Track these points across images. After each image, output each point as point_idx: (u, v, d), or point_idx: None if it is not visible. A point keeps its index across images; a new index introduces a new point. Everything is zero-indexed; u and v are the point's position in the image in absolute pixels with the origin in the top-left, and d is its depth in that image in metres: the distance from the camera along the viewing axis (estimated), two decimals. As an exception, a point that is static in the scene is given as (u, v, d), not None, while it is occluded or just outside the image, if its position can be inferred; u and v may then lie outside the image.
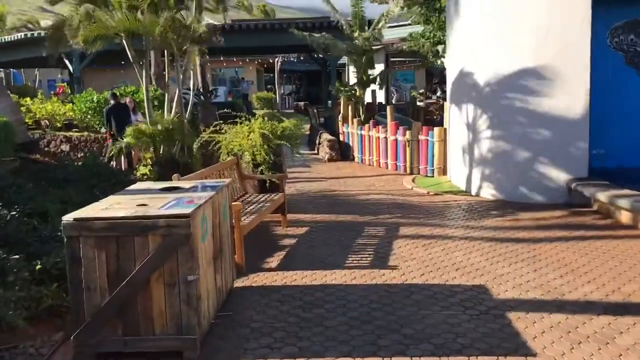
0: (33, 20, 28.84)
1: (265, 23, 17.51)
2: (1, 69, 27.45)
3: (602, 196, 7.20)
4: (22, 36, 16.50)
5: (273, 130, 7.64)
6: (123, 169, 10.15)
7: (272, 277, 5.27)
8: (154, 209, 3.79)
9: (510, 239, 6.36)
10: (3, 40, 17.81)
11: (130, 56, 8.85)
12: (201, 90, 18.68)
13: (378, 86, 13.73)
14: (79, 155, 12.69)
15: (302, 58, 31.77)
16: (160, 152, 8.75)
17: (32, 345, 3.86)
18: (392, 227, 6.98)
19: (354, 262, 5.67)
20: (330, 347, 3.83)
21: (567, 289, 4.78)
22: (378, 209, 8.05)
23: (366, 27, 13.30)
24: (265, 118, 7.89)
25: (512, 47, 8.25)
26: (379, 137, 11.70)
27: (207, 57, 19.84)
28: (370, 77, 13.34)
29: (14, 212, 4.95)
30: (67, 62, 15.97)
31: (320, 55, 20.36)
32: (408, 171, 10.97)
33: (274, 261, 5.75)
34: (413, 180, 10.19)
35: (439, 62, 14.73)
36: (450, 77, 9.85)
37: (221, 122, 8.11)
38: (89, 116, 13.48)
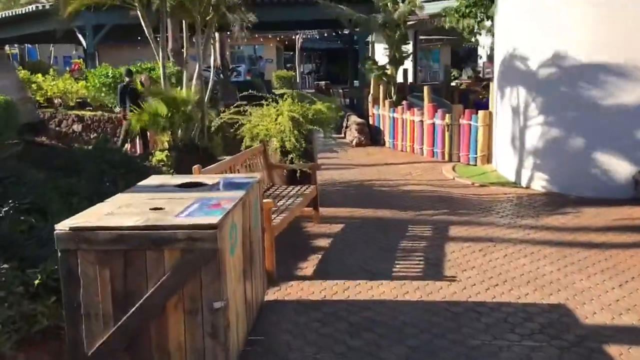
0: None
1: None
2: (16, 45, 26.81)
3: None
4: (33, 9, 15.73)
5: (304, 114, 6.79)
6: (138, 153, 9.40)
7: (309, 287, 4.47)
8: (171, 215, 3.00)
9: (580, 243, 5.49)
10: (13, 14, 17.08)
11: (145, 28, 8.03)
12: (220, 68, 17.83)
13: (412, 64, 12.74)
14: (92, 137, 11.99)
15: (325, 35, 30.67)
16: (178, 135, 7.96)
17: (20, 379, 3.13)
18: (439, 226, 6.14)
19: (403, 270, 4.85)
20: (392, 393, 3.04)
21: (671, 314, 3.93)
22: (419, 203, 7.20)
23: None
24: (295, 99, 7.04)
25: (574, 28, 7.27)
26: (413, 121, 10.79)
27: (228, 32, 19.02)
28: (404, 54, 12.36)
29: (6, 208, 4.19)
30: (80, 36, 15.18)
31: (346, 32, 19.40)
32: (446, 158, 10.07)
33: (308, 267, 4.95)
34: (454, 169, 9.30)
35: (473, 39, 13.68)
36: (499, 57, 8.89)
37: (244, 103, 7.26)
38: (102, 93, 12.71)
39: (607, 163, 7.24)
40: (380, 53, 24.09)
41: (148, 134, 9.93)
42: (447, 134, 9.98)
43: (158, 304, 2.87)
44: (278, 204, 5.52)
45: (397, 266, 4.92)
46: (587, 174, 7.37)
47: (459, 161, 9.82)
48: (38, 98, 13.36)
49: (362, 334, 3.69)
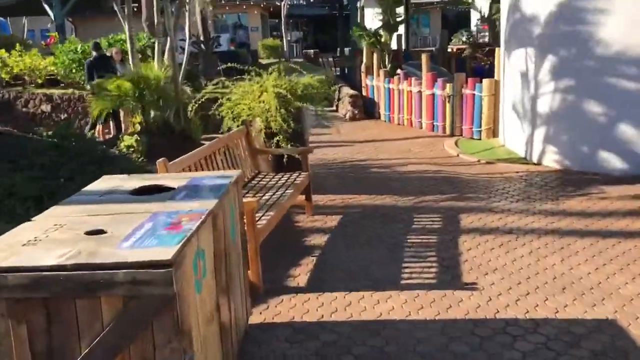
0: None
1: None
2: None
3: None
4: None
5: (292, 89, 5.94)
6: (110, 136, 8.52)
7: (302, 303, 3.72)
8: (112, 244, 2.19)
9: (612, 233, 4.76)
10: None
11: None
12: (201, 38, 16.76)
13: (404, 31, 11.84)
14: (62, 118, 11.06)
15: (312, 0, 29.42)
16: (151, 116, 7.09)
17: None
18: (449, 215, 5.38)
19: (413, 275, 4.10)
20: None
21: None
22: (423, 186, 6.43)
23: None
24: (281, 73, 6.17)
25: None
26: (411, 92, 9.94)
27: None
28: (398, 19, 11.43)
29: None
30: (46, 7, 14.05)
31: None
32: (447, 132, 9.27)
33: (301, 274, 4.18)
34: (456, 144, 8.52)
35: (477, 2, 12.76)
36: (506, 16, 8.02)
37: (222, 79, 6.39)
38: (73, 70, 11.72)
39: (631, 135, 6.47)
40: (370, 19, 23.03)
41: (121, 114, 9.05)
42: (448, 105, 9.15)
43: (97, 368, 2.09)
44: (264, 197, 4.72)
45: (406, 270, 4.17)
46: (608, 147, 6.61)
47: (462, 135, 9.03)
48: (3, 75, 12.34)
49: (371, 372, 2.95)
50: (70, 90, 11.64)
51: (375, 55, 11.14)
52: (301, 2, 30.66)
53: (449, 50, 15.45)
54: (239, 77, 6.22)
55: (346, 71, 15.67)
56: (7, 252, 2.18)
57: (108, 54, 10.20)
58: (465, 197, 5.96)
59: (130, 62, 7.32)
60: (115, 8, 7.31)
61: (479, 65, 11.08)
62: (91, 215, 2.57)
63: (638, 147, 6.45)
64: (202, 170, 4.37)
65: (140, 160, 6.04)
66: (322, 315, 3.55)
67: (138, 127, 7.21)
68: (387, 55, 11.33)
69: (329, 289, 3.88)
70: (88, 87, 10.76)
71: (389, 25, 11.25)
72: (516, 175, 6.81)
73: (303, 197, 5.46)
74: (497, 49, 8.48)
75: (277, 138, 5.79)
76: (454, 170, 7.11)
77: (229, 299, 2.91)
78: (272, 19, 37.11)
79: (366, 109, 11.32)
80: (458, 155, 7.87)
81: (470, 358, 3.02)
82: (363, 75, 11.57)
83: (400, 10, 14.45)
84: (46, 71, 12.54)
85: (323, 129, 10.10)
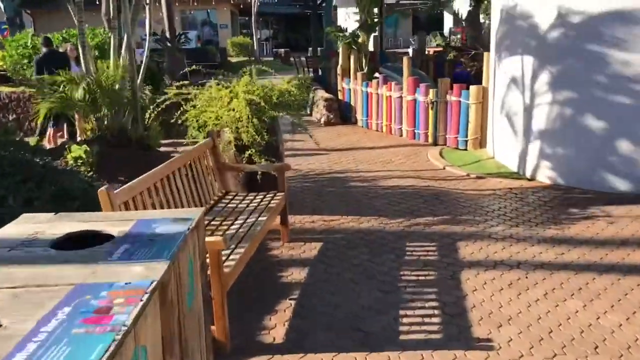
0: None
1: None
2: None
3: None
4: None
5: (266, 96, 5.21)
6: (61, 143, 7.62)
7: (280, 368, 3.00)
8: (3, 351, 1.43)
9: (633, 268, 4.18)
10: None
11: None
12: (167, 35, 15.83)
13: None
14: (10, 119, 10.06)
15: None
16: (105, 122, 6.26)
17: None
18: (445, 243, 4.73)
19: (413, 328, 3.41)
20: None
21: None
22: (411, 205, 5.77)
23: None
24: (253, 76, 5.43)
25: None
26: (391, 97, 9.29)
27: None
28: (375, 19, 10.78)
29: None
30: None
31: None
32: (430, 141, 8.65)
33: (277, 324, 3.46)
34: (441, 155, 7.90)
35: (455, 4, 12.20)
36: (496, 19, 7.42)
37: (186, 82, 5.61)
38: (24, 67, 10.73)
39: (632, 152, 5.94)
40: (343, 19, 22.38)
41: (76, 117, 8.14)
42: (431, 112, 8.54)
43: None
44: (233, 225, 3.98)
45: (404, 321, 3.48)
46: (608, 164, 6.08)
47: (446, 144, 8.42)
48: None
49: None
50: (20, 89, 10.63)
51: (352, 57, 10.46)
52: (272, -1, 29.85)
53: (427, 52, 14.93)
54: (202, 82, 5.45)
55: (320, 72, 14.97)
56: None
57: (62, 49, 9.27)
58: (459, 219, 5.33)
59: (82, 59, 6.46)
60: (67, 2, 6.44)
61: (462, 70, 10.50)
62: (-15, 288, 1.80)
63: (638, 164, 5.92)
64: (158, 195, 3.61)
65: (89, 175, 5.22)
66: (306, 388, 2.84)
67: (89, 134, 6.36)
68: (364, 57, 10.66)
69: (312, 348, 3.17)
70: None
71: (367, 26, 10.58)
72: (510, 192, 6.21)
73: (279, 222, 4.74)
74: (485, 53, 7.89)
75: (249, 152, 5.05)
76: (442, 186, 6.48)
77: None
78: (242, 17, 36.19)
79: (342, 114, 10.64)
80: (445, 168, 7.25)
81: None
82: (339, 77, 10.88)
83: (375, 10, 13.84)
84: (-6, 67, 11.49)
85: (297, 134, 9.40)
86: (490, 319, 3.46)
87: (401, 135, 9.23)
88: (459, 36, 20.58)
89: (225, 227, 3.95)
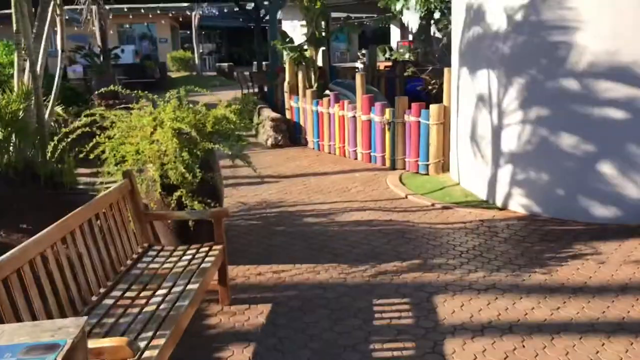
0: None
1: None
2: None
3: None
4: None
5: (198, 124, 4.30)
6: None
7: None
8: None
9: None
10: None
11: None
12: (96, 50, 14.61)
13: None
14: None
15: (225, 11, 27.66)
16: (6, 157, 5.18)
17: None
18: (419, 298, 3.94)
19: None
20: None
21: None
22: (374, 247, 4.97)
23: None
24: (184, 100, 4.51)
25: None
26: (344, 116, 8.53)
27: (106, 7, 15.78)
28: (324, 33, 10.03)
29: None
30: None
31: (251, 6, 16.84)
32: (388, 164, 7.92)
33: None
34: (401, 181, 7.16)
35: (404, 18, 11.64)
36: (458, 31, 6.78)
37: (103, 106, 4.64)
38: None
39: (616, 175, 5.35)
40: (289, 32, 21.65)
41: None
42: (388, 133, 7.81)
43: None
44: (153, 299, 3.05)
45: None
46: (589, 190, 5.48)
47: (405, 169, 7.70)
48: None
49: None
50: None
51: (300, 73, 9.66)
52: (214, 13, 28.83)
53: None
54: (124, 106, 4.50)
55: (266, 89, 14.11)
56: None
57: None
58: (431, 264, 4.56)
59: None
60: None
61: (415, 86, 9.85)
62: None
63: (624, 190, 5.35)
64: (48, 266, 2.67)
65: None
66: None
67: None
68: (313, 73, 9.88)
69: None
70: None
71: (315, 40, 9.81)
72: (482, 225, 5.52)
73: (216, 281, 3.83)
74: (446, 69, 7.24)
75: (179, 192, 4.12)
76: (406, 220, 5.72)
77: None
78: (184, 30, 34.98)
79: (291, 135, 9.80)
80: (407, 197, 6.51)
81: None
82: (286, 95, 10.05)
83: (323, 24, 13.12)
84: None
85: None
86: (493, 419, 2.66)
87: (356, 158, 8.47)
88: (406, 49, 20.22)
89: (143, 302, 3.02)
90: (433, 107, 7.19)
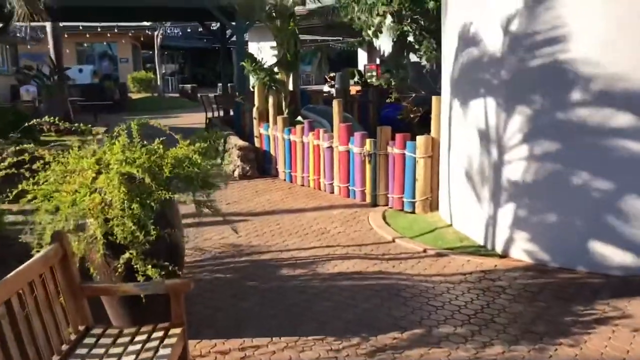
0: None
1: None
2: None
3: None
4: None
5: (153, 167, 3.46)
6: None
7: None
8: None
9: None
10: None
11: None
12: (46, 70, 13.54)
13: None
14: None
15: (189, 31, 26.82)
16: None
17: None
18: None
19: None
20: None
21: None
22: (366, 311, 4.17)
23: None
24: (135, 137, 3.67)
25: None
26: (319, 146, 7.78)
27: (59, 23, 14.81)
28: (297, 54, 9.30)
29: None
30: None
31: (216, 27, 16.05)
32: (368, 200, 7.17)
33: None
34: (385, 220, 6.42)
35: (377, 42, 11.03)
36: (450, 56, 6.13)
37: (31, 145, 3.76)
38: None
39: (636, 216, 4.72)
40: (255, 54, 20.91)
41: None
42: (368, 166, 7.08)
43: None
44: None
45: None
46: (605, 235, 4.83)
47: (388, 205, 6.97)
48: None
49: None
50: None
51: (271, 98, 8.89)
52: (177, 33, 27.94)
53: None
54: (58, 143, 3.65)
55: (230, 112, 13.30)
56: None
57: None
58: (437, 334, 3.79)
59: None
60: None
61: (390, 112, 9.19)
62: None
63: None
64: None
65: None
66: None
67: None
68: (284, 98, 9.13)
69: None
70: None
71: (287, 62, 9.07)
72: (485, 278, 4.80)
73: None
74: (434, 97, 6.58)
75: (128, 255, 3.26)
76: (398, 271, 4.96)
77: None
78: (145, 50, 33.90)
79: (260, 165, 9.00)
80: (394, 241, 5.76)
81: None
82: (255, 122, 9.25)
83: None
84: None
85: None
86: None
87: (332, 192, 7.71)
88: (374, 73, 19.71)
89: None
90: (420, 139, 6.50)
